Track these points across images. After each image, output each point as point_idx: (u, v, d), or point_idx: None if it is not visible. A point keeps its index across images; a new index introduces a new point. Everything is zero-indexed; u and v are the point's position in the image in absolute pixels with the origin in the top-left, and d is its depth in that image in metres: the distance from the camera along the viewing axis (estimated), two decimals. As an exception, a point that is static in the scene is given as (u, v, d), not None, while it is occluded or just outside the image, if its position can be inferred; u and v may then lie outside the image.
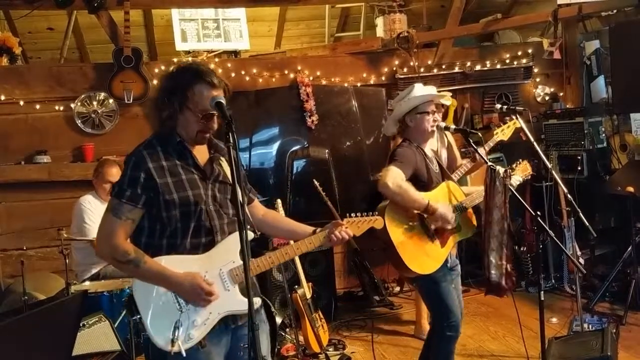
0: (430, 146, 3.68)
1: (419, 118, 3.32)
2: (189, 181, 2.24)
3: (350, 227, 2.49)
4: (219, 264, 2.25)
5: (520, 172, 3.59)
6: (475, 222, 3.40)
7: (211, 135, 2.32)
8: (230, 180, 2.16)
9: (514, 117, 4.09)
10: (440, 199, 3.24)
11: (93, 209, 4.35)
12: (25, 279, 4.07)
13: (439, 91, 3.67)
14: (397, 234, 3.17)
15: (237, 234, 2.27)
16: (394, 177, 3.08)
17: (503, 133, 4.34)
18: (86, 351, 3.41)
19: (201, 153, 2.34)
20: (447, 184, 3.36)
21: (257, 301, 2.30)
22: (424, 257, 3.19)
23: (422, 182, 3.24)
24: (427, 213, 3.16)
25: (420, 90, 3.38)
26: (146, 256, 2.17)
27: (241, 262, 2.20)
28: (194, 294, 2.17)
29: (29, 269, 4.39)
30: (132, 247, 2.18)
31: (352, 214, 2.54)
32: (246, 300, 2.11)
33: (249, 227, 2.23)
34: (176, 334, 2.13)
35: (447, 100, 4.24)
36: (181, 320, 2.16)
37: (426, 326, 4.59)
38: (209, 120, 2.24)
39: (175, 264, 2.19)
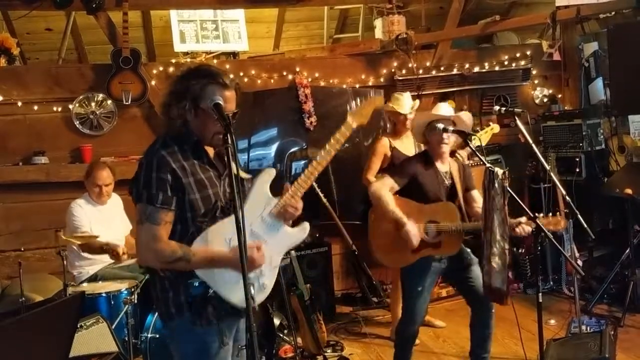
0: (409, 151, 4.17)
1: (431, 136, 3.60)
2: (208, 179, 2.27)
3: (355, 117, 2.55)
4: (257, 212, 2.30)
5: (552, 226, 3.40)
6: (458, 247, 3.58)
7: None
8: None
9: (491, 123, 4.31)
10: (427, 213, 3.54)
11: (80, 214, 4.34)
12: (23, 280, 4.05)
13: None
14: (379, 226, 3.69)
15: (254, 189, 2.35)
16: (379, 187, 3.53)
17: (481, 138, 4.41)
18: (83, 352, 3.39)
19: (209, 150, 2.36)
20: (446, 204, 3.57)
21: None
22: (390, 253, 3.64)
23: (422, 192, 3.55)
24: (397, 225, 3.50)
25: (442, 109, 3.70)
26: (192, 248, 2.18)
27: (276, 200, 2.36)
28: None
29: (27, 270, 4.37)
30: (176, 245, 2.18)
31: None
32: (296, 231, 2.42)
33: None
34: (252, 290, 2.19)
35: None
36: (250, 276, 2.21)
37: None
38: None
39: (216, 236, 2.21)
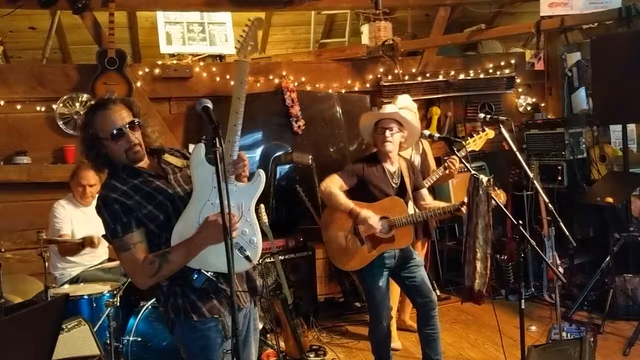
0: (405, 154, 4.10)
1: (376, 136, 3.72)
2: (155, 189, 2.32)
3: (245, 52, 2.41)
4: (209, 185, 2.28)
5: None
6: (411, 238, 3.73)
7: (144, 147, 2.38)
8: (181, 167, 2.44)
9: (486, 128, 4.37)
10: (376, 211, 3.61)
11: (62, 215, 4.32)
12: (2, 281, 4.00)
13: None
14: (331, 231, 3.81)
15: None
16: (328, 184, 3.64)
17: (475, 143, 4.48)
18: (65, 355, 3.35)
19: (145, 163, 2.42)
20: (392, 199, 3.67)
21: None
22: (348, 256, 3.73)
23: (370, 192, 3.66)
24: (351, 216, 3.61)
25: (387, 108, 3.78)
26: (166, 250, 2.25)
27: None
28: (219, 234, 2.17)
29: (7, 271, 4.30)
30: (152, 256, 2.25)
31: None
32: (251, 182, 2.38)
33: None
34: (244, 252, 2.30)
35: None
36: (236, 241, 2.29)
37: (407, 320, 4.97)
38: (121, 138, 2.29)
39: (187, 226, 2.26)
